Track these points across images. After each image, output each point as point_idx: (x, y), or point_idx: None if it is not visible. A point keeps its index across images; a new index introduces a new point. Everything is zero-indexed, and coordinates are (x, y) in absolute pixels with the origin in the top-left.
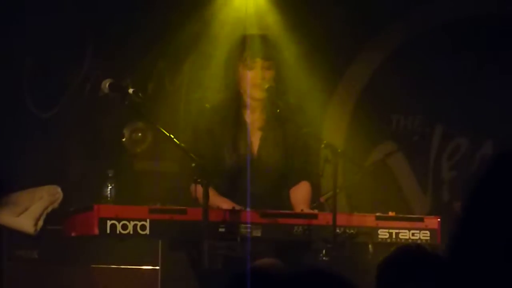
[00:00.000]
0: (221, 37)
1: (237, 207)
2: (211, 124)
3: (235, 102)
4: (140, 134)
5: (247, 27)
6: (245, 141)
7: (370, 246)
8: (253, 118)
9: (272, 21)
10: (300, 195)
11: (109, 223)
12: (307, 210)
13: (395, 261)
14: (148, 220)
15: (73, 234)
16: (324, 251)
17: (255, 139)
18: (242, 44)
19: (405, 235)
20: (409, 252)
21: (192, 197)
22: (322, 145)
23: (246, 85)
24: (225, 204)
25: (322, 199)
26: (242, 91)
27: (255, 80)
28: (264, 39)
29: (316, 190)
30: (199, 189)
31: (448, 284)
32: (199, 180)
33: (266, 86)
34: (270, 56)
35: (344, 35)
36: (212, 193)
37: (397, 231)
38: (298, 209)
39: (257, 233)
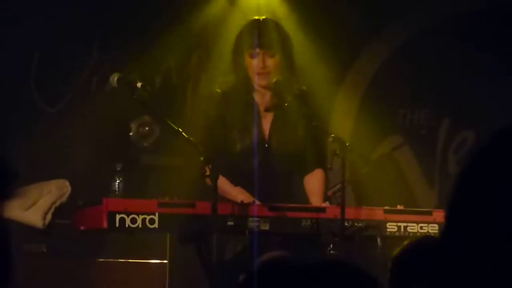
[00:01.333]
0: (229, 28)
1: (249, 199)
2: (222, 109)
3: (245, 87)
4: (147, 128)
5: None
6: (256, 123)
7: (378, 239)
8: (263, 101)
9: (281, 14)
10: (314, 183)
11: (118, 217)
12: (319, 203)
13: (410, 255)
14: (156, 214)
15: (82, 228)
16: (332, 244)
17: (266, 121)
18: (247, 30)
19: (413, 228)
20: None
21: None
22: (330, 139)
23: (250, 72)
24: (240, 194)
25: (329, 193)
26: (250, 76)
27: (257, 69)
28: (268, 25)
29: (325, 183)
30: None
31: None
32: (207, 174)
33: (274, 79)
34: (273, 43)
35: (351, 28)
36: (225, 183)
37: (405, 224)
38: (311, 200)
39: (265, 226)
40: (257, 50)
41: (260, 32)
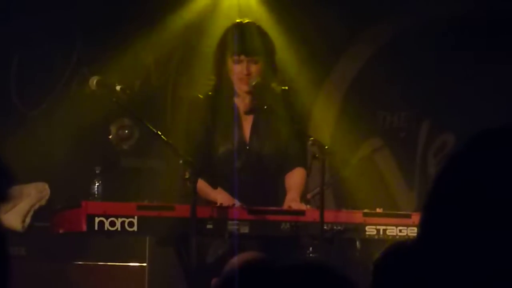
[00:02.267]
0: (209, 31)
1: (230, 200)
2: (203, 113)
3: (226, 91)
4: (127, 131)
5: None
6: (237, 127)
7: (357, 242)
8: (244, 104)
9: (261, 16)
10: (293, 179)
11: (97, 219)
12: (296, 204)
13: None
14: (136, 217)
15: (61, 231)
16: (311, 247)
17: (247, 124)
18: (230, 35)
19: (392, 231)
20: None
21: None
22: (310, 142)
23: (233, 77)
24: (220, 195)
25: (309, 196)
26: (233, 81)
27: (240, 75)
28: (251, 29)
29: (304, 186)
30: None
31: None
32: (187, 177)
33: (253, 82)
34: (256, 50)
35: (331, 31)
36: (204, 186)
37: (384, 227)
38: (289, 192)
39: (245, 229)
40: (242, 57)
41: (243, 37)
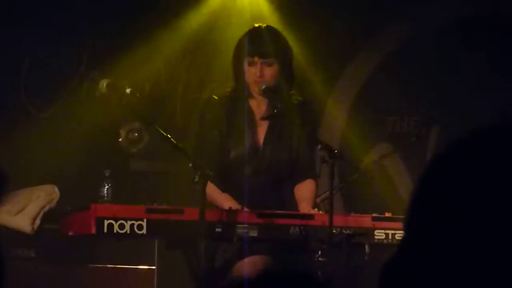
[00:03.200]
0: (219, 34)
1: (237, 206)
2: (217, 115)
3: (243, 94)
4: (136, 134)
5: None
6: (251, 131)
7: (366, 246)
8: (260, 110)
9: (272, 20)
10: (304, 192)
11: (106, 222)
12: (308, 209)
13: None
14: (145, 220)
15: (70, 234)
16: (320, 251)
17: (261, 130)
18: (248, 38)
19: (401, 236)
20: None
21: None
22: (319, 146)
23: (248, 79)
24: (227, 201)
25: (318, 200)
26: (248, 84)
27: (254, 77)
28: (269, 33)
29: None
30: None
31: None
32: (196, 180)
33: (263, 86)
34: (271, 53)
35: (340, 36)
36: (213, 190)
37: (393, 231)
38: (300, 206)
39: (254, 233)
40: (256, 58)
41: (260, 40)
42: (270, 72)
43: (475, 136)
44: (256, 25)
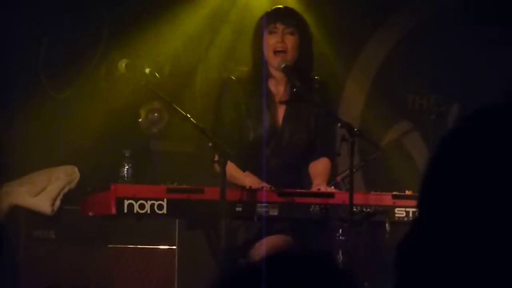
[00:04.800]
0: (238, 15)
1: (258, 183)
2: (236, 96)
3: (261, 73)
4: (156, 114)
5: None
6: (270, 112)
7: (387, 225)
8: (279, 90)
9: (290, 3)
10: (319, 168)
11: (126, 202)
12: (324, 187)
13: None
14: (165, 200)
15: (90, 214)
16: (340, 230)
17: (281, 111)
18: (269, 13)
19: None
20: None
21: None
22: (339, 124)
23: (266, 50)
24: (248, 178)
25: (338, 178)
26: (269, 65)
27: (275, 46)
28: (291, 11)
29: (333, 169)
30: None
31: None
32: (216, 159)
33: (283, 65)
34: (293, 23)
35: (360, 15)
36: (234, 169)
37: (414, 209)
38: (314, 181)
39: (274, 212)
40: (278, 24)
41: (282, 10)
42: (291, 40)
43: (488, 114)
44: (278, 6)
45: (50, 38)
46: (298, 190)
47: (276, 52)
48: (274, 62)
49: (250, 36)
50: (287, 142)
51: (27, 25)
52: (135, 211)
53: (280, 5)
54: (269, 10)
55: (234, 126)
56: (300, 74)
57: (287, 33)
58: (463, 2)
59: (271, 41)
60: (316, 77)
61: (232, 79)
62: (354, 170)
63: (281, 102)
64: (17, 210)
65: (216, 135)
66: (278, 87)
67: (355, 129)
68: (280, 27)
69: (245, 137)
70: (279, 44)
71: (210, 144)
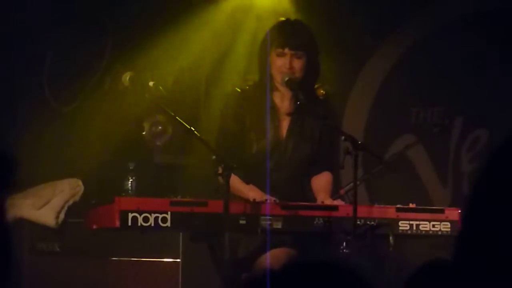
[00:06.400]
0: (242, 29)
1: (261, 196)
2: (240, 108)
3: (265, 89)
4: (160, 127)
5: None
6: (274, 125)
7: (390, 237)
8: (284, 103)
9: (294, 15)
10: (321, 183)
11: (130, 215)
12: (327, 201)
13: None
14: (169, 213)
15: (94, 227)
16: (344, 243)
17: (285, 124)
18: (277, 29)
19: (425, 226)
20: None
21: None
22: (342, 137)
23: (273, 70)
24: (252, 192)
25: (342, 191)
26: (274, 79)
27: (282, 69)
28: (298, 26)
29: (337, 182)
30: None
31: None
32: (220, 172)
33: (286, 78)
34: (301, 45)
35: (364, 28)
36: (237, 181)
37: (417, 222)
38: (318, 197)
39: (278, 225)
40: (286, 50)
41: (291, 32)
42: (299, 64)
43: None
44: (283, 18)
45: (55, 51)
46: (302, 203)
47: (283, 73)
48: (279, 80)
49: (255, 51)
50: (291, 154)
51: (31, 38)
52: (139, 224)
53: (284, 18)
54: (276, 24)
55: (238, 139)
56: (304, 87)
57: (295, 57)
58: (467, 18)
59: (278, 63)
60: (322, 92)
61: (237, 91)
62: (358, 183)
63: (286, 115)
64: (21, 223)
65: (220, 148)
66: (283, 100)
67: (359, 142)
68: (288, 52)
69: (248, 150)
70: (287, 70)
71: (214, 156)
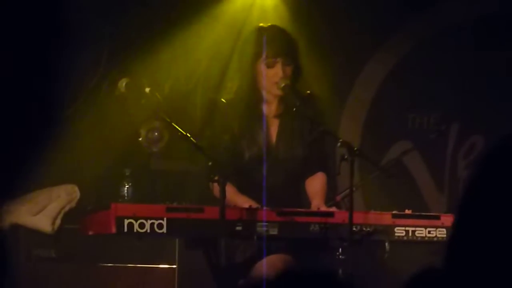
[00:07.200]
0: (238, 36)
1: (255, 206)
2: (227, 119)
3: (251, 96)
4: (156, 134)
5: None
6: (264, 132)
7: (386, 244)
8: (270, 108)
9: (288, 24)
10: (316, 185)
11: (126, 221)
12: (323, 207)
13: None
14: (165, 219)
15: (90, 233)
16: (340, 249)
17: (273, 128)
18: (260, 38)
19: (421, 233)
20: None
21: (213, 194)
22: (339, 144)
23: (265, 82)
24: (246, 203)
25: (338, 198)
26: (260, 86)
27: (275, 78)
28: (275, 32)
29: (332, 185)
30: (217, 187)
31: None
32: (215, 179)
33: (282, 84)
34: (289, 52)
35: (360, 34)
36: (232, 191)
37: (413, 229)
38: (313, 202)
39: (274, 231)
40: (278, 59)
41: (275, 40)
42: (289, 69)
43: None
44: (262, 24)
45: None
46: (298, 209)
47: (276, 82)
48: (273, 91)
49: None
50: (283, 157)
51: (27, 45)
52: (135, 230)
53: (264, 24)
54: (256, 33)
55: (227, 150)
56: (294, 90)
57: (285, 64)
58: (461, 24)
59: (270, 73)
60: (307, 91)
61: (222, 101)
62: (354, 189)
63: (273, 118)
64: (17, 229)
65: (211, 158)
66: (269, 105)
67: (355, 149)
68: (279, 61)
69: (240, 159)
70: (280, 79)
71: (210, 163)
